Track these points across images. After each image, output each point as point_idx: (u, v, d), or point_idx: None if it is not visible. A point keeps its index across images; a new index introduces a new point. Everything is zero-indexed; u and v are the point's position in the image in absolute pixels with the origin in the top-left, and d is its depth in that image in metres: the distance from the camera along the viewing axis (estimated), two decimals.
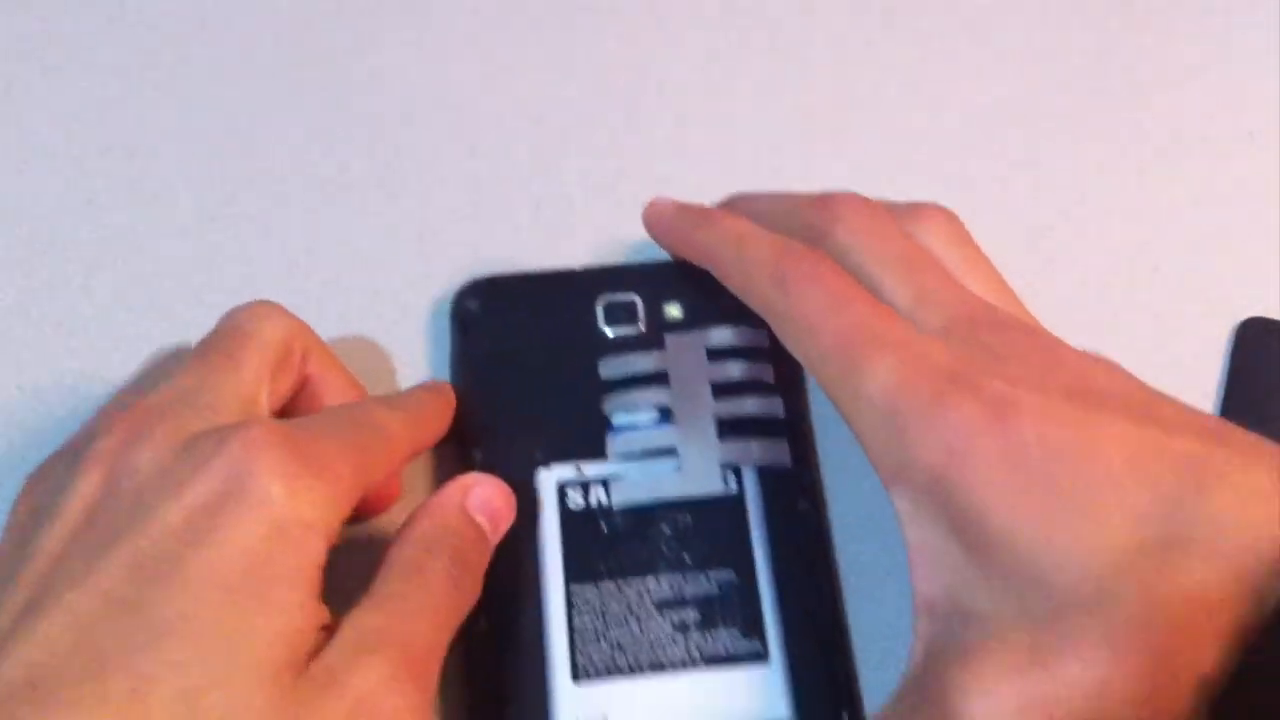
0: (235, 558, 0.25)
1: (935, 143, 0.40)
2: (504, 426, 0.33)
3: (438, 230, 0.38)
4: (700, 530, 0.31)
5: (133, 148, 0.39)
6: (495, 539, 0.30)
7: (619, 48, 0.42)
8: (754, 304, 0.31)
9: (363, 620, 0.26)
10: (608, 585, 0.31)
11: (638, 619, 0.30)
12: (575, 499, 0.32)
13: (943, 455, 0.25)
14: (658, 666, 0.30)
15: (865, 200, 0.31)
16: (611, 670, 0.30)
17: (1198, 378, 0.36)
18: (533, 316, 0.35)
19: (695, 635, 0.30)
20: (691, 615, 0.30)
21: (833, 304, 0.28)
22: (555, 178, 0.39)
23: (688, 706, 0.29)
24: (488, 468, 0.32)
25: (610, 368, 0.34)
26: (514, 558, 0.31)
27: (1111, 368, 0.27)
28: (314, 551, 0.26)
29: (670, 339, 0.34)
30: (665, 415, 0.33)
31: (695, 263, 0.33)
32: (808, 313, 0.29)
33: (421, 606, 0.27)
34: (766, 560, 0.31)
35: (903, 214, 0.31)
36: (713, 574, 0.31)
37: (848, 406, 0.28)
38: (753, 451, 0.32)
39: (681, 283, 0.35)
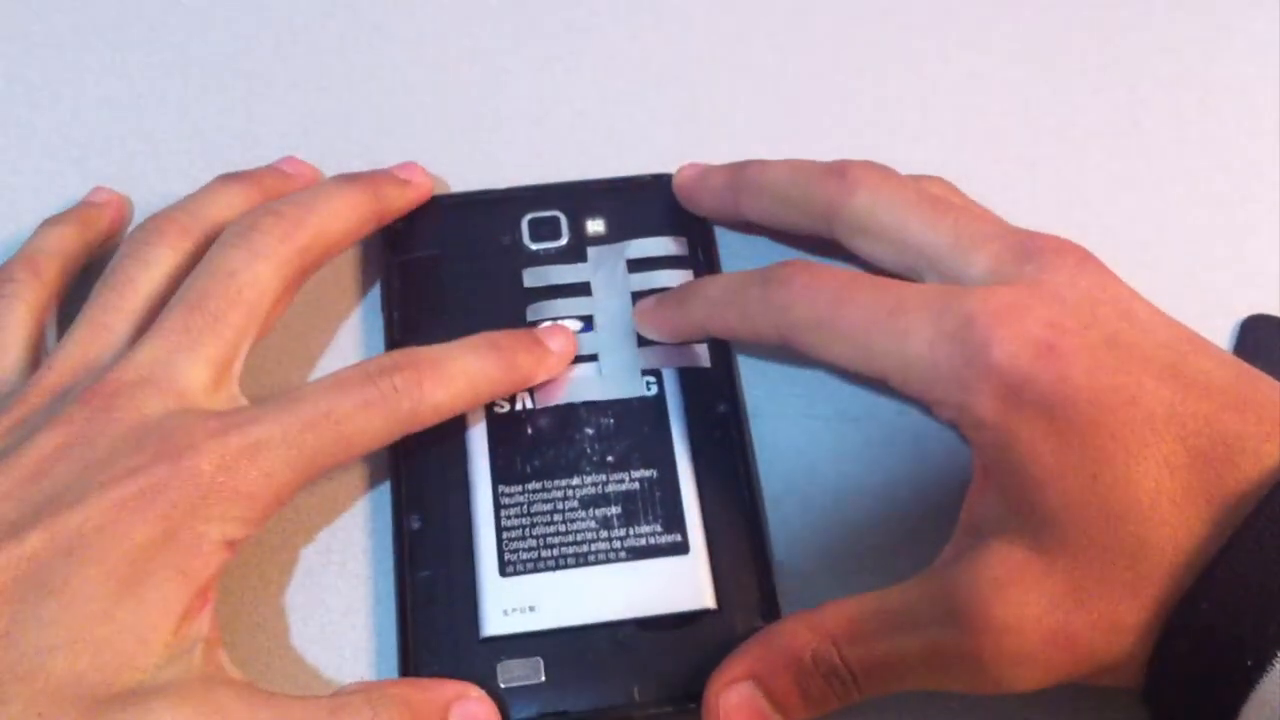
0: (126, 555, 0.26)
1: (934, 143, 0.40)
2: (432, 338, 0.34)
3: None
4: (622, 431, 0.33)
5: (133, 146, 0.39)
6: None
7: (616, 40, 0.42)
8: (770, 334, 0.31)
9: None
10: (534, 485, 0.32)
11: (563, 516, 0.31)
12: (501, 404, 0.33)
13: (995, 400, 0.27)
14: (583, 560, 0.31)
15: (878, 164, 0.32)
16: (538, 565, 0.31)
17: None
18: (460, 232, 0.36)
19: (618, 530, 0.31)
20: (614, 511, 0.31)
21: (838, 297, 0.29)
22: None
23: (612, 595, 0.30)
24: None
25: (534, 278, 0.35)
26: (444, 461, 0.32)
27: (1148, 306, 0.29)
28: (210, 557, 0.27)
29: (592, 251, 0.35)
30: (588, 324, 0.34)
31: (702, 334, 0.33)
32: (821, 317, 0.29)
33: None
34: (686, 459, 0.32)
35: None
36: (635, 473, 0.32)
37: (898, 375, 0.29)
38: (670, 355, 0.33)
39: (604, 200, 0.36)
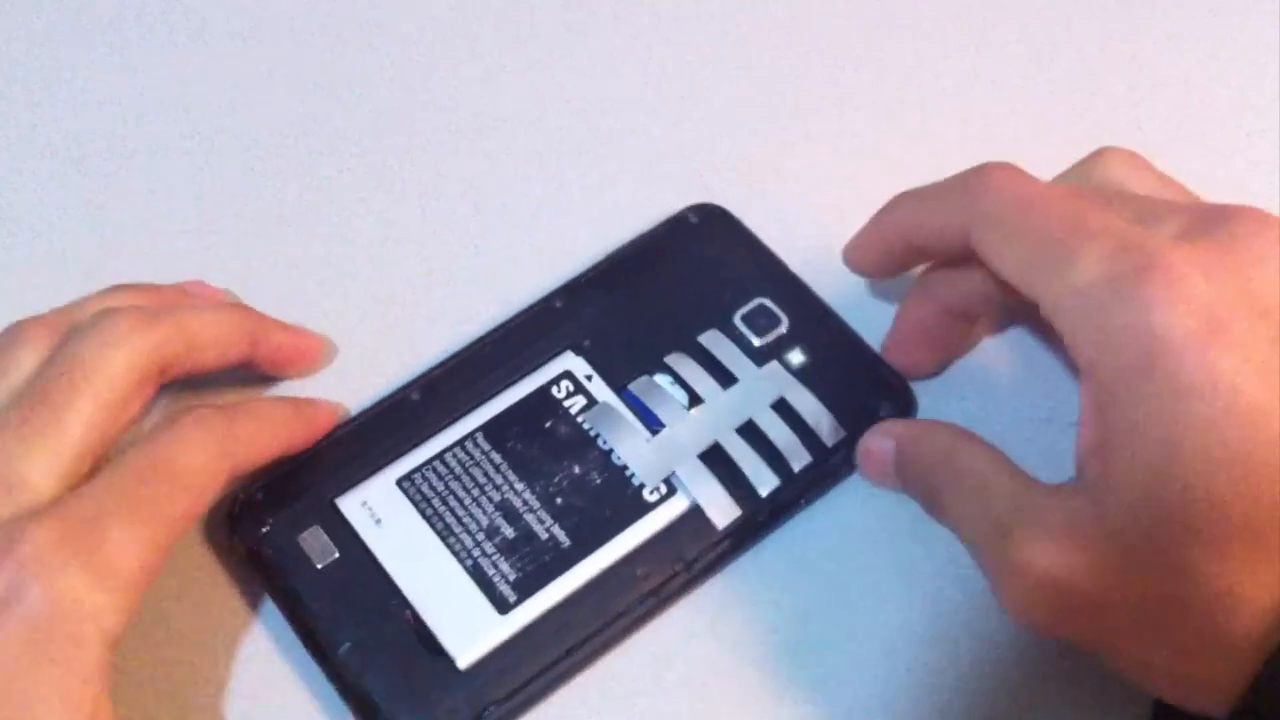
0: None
1: (934, 144, 0.39)
2: (611, 327, 0.34)
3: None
4: (593, 493, 0.31)
5: (133, 145, 0.39)
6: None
7: (615, 40, 0.41)
8: (957, 228, 0.29)
9: None
10: (495, 456, 0.32)
11: (476, 495, 0.31)
12: (566, 387, 0.33)
13: (1139, 363, 0.25)
14: (446, 535, 0.31)
15: (1015, 169, 0.29)
16: (422, 506, 0.31)
17: None
18: (716, 260, 0.35)
19: (491, 545, 0.31)
20: (508, 532, 0.31)
21: (1029, 199, 0.27)
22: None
23: (432, 581, 0.30)
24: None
25: (710, 340, 0.34)
26: (477, 382, 0.33)
27: None
28: (90, 656, 0.26)
29: (771, 365, 0.33)
30: (693, 403, 0.33)
31: (900, 249, 0.32)
32: (1005, 213, 0.28)
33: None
34: (607, 564, 0.31)
35: (1079, 167, 0.31)
36: (556, 526, 0.31)
37: (1049, 299, 0.26)
38: (702, 493, 0.31)
39: (824, 337, 0.34)
